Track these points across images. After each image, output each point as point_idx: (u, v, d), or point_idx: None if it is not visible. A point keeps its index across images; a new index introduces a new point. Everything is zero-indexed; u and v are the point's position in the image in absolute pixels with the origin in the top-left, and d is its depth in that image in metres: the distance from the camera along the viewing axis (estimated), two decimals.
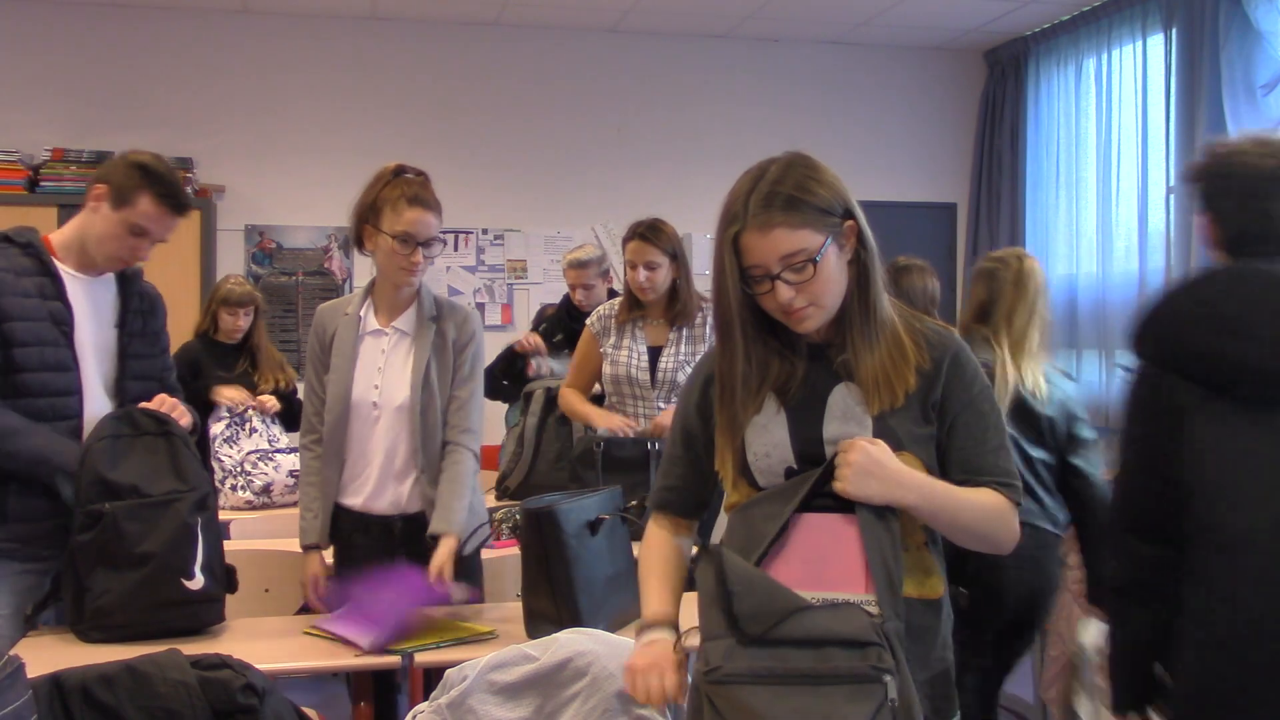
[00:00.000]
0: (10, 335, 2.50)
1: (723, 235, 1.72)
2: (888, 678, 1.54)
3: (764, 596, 1.58)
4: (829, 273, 1.70)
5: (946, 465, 1.76)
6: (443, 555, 2.65)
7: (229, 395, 4.61)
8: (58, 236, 2.66)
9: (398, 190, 2.72)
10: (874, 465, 1.64)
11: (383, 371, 2.80)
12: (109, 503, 2.45)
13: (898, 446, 1.71)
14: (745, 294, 1.73)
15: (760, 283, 1.71)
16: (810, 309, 1.71)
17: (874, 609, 1.61)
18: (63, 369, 2.56)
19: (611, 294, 4.81)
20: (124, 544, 2.45)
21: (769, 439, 1.76)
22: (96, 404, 2.61)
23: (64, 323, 2.57)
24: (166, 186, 2.58)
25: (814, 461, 1.73)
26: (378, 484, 2.82)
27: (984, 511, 1.73)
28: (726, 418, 1.80)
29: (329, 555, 2.90)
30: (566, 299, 5.05)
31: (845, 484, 1.64)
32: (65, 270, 2.62)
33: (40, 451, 2.51)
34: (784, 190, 1.68)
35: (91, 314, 2.63)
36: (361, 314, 2.83)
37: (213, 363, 4.76)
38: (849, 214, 1.73)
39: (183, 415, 2.63)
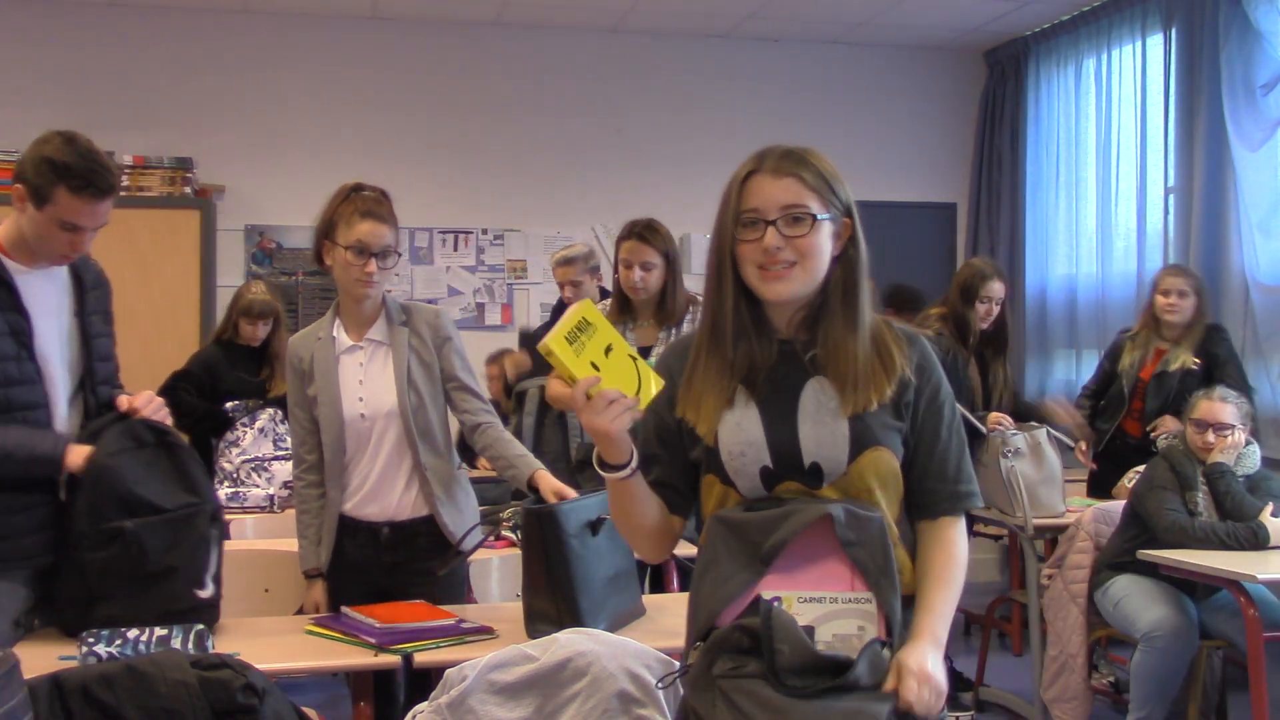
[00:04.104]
0: None
1: (735, 176, 1.76)
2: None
3: (809, 657, 1.59)
4: (820, 244, 1.73)
5: (918, 468, 1.80)
6: (551, 483, 2.71)
7: None
8: (3, 232, 2.47)
9: (352, 206, 2.78)
10: (925, 680, 1.64)
11: (364, 384, 2.83)
12: (130, 520, 2.43)
13: (873, 443, 1.73)
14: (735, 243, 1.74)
15: (753, 227, 1.72)
16: (792, 270, 1.72)
17: (869, 606, 1.64)
18: (26, 382, 2.43)
19: (603, 293, 4.79)
20: (147, 560, 2.45)
21: (742, 437, 1.75)
22: (64, 408, 2.52)
23: (22, 332, 2.43)
24: (80, 176, 2.37)
25: (790, 462, 1.73)
26: (370, 492, 2.85)
27: (961, 575, 1.79)
28: (715, 365, 1.77)
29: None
30: (559, 305, 5.02)
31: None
32: (16, 268, 2.46)
33: (19, 439, 2.38)
34: (808, 158, 1.75)
35: (51, 309, 2.52)
36: (334, 334, 2.87)
37: (233, 368, 4.85)
38: (849, 214, 1.78)
39: (167, 416, 2.61)
